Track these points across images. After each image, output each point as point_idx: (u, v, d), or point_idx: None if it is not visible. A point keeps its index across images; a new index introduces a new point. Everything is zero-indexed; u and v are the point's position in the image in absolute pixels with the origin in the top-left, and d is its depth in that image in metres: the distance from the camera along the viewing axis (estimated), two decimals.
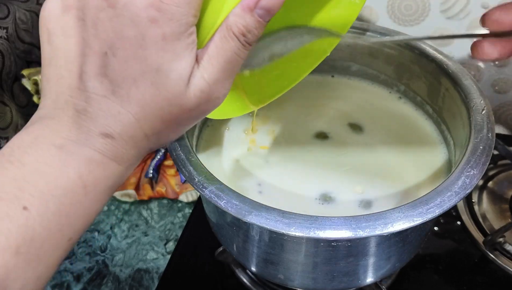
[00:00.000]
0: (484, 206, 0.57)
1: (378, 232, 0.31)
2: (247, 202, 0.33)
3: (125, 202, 0.69)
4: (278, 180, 0.45)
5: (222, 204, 0.33)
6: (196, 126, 0.46)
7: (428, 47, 0.47)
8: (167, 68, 0.25)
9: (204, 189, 0.34)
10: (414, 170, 0.45)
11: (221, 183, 0.35)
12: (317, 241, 0.36)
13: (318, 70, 0.54)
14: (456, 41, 0.62)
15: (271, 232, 0.36)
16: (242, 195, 0.33)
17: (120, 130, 0.26)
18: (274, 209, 0.32)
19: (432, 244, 0.57)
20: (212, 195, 0.34)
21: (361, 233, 0.31)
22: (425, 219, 0.32)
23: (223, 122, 0.51)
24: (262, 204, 0.33)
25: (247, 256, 0.42)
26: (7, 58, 0.58)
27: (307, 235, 0.31)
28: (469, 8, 0.58)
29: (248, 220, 0.32)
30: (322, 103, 0.54)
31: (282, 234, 0.32)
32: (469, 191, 0.34)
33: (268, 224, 0.32)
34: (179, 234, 0.63)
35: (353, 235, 0.31)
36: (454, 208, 0.57)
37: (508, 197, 0.57)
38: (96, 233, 0.65)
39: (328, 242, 0.35)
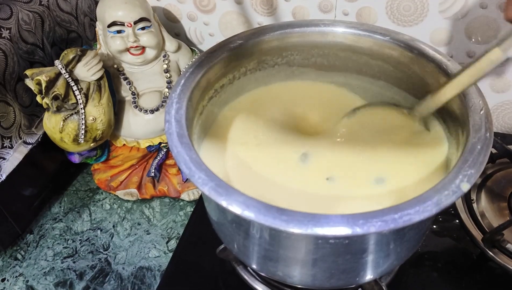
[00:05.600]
0: (483, 204, 0.57)
1: (375, 229, 0.31)
2: (246, 199, 0.33)
3: (128, 201, 0.70)
4: (280, 179, 0.46)
5: (221, 201, 0.33)
6: (198, 124, 0.47)
7: (427, 47, 0.47)
8: None
9: (204, 186, 0.35)
10: (412, 168, 0.45)
11: (221, 180, 0.35)
12: (315, 238, 0.36)
13: (318, 68, 0.55)
14: (455, 41, 0.62)
15: (271, 229, 0.37)
16: (242, 192, 0.34)
17: None
18: (273, 206, 0.33)
19: (431, 242, 0.58)
20: (212, 191, 0.34)
21: (359, 231, 0.31)
22: (422, 217, 0.32)
23: (228, 122, 0.52)
24: (262, 202, 0.33)
25: (247, 253, 0.43)
26: (10, 58, 0.59)
27: (305, 232, 0.31)
28: (468, 8, 0.58)
29: (247, 217, 0.32)
30: (320, 102, 0.54)
31: (281, 231, 0.32)
32: (466, 190, 0.34)
33: (266, 221, 0.32)
34: (181, 232, 0.64)
35: (350, 232, 0.31)
36: (453, 206, 0.57)
37: (506, 195, 0.58)
38: (98, 232, 0.66)
39: (326, 239, 0.35)
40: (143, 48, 0.64)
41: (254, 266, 0.44)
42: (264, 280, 0.53)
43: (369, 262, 0.40)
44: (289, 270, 0.41)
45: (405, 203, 0.33)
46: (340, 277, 0.41)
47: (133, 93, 0.67)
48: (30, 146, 0.63)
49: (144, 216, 0.68)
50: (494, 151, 0.59)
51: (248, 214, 0.33)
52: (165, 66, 0.67)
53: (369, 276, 0.42)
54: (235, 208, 0.33)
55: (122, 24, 0.61)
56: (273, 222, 0.32)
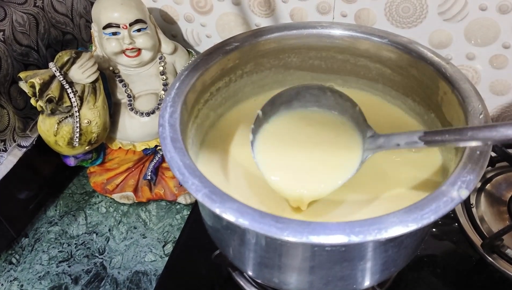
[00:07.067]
0: (482, 208, 0.57)
1: (371, 237, 0.31)
2: (240, 207, 0.33)
3: (124, 204, 0.69)
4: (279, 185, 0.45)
5: (215, 208, 0.33)
6: (193, 128, 0.46)
7: (426, 50, 0.47)
8: None
9: (197, 193, 0.34)
10: (409, 174, 0.45)
11: (215, 187, 0.34)
12: (311, 246, 0.35)
13: (315, 70, 0.55)
14: (454, 44, 0.61)
15: (266, 237, 0.36)
16: (236, 199, 0.33)
17: None
18: (267, 214, 0.32)
19: (430, 245, 0.57)
20: (205, 198, 0.34)
21: (355, 239, 0.31)
22: (420, 225, 0.32)
23: (228, 128, 0.51)
24: (256, 209, 0.32)
25: (242, 259, 0.42)
26: (4, 60, 0.58)
27: (300, 240, 0.31)
28: (467, 10, 0.58)
29: (241, 224, 0.32)
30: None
31: (276, 239, 0.32)
32: (465, 197, 0.34)
33: (261, 228, 0.31)
34: (178, 236, 0.63)
35: (346, 241, 0.31)
36: (452, 210, 0.57)
37: (506, 199, 0.57)
38: (94, 235, 0.65)
39: (322, 247, 0.35)
40: (139, 50, 0.64)
41: (249, 273, 0.44)
42: (261, 287, 0.52)
43: (366, 269, 0.39)
44: (285, 277, 0.41)
45: (402, 210, 0.32)
46: (337, 284, 0.40)
47: (129, 96, 0.66)
48: (24, 149, 0.63)
49: (140, 220, 0.67)
50: (493, 154, 0.58)
51: (242, 221, 0.32)
52: (161, 68, 0.66)
53: (366, 283, 0.42)
54: (229, 216, 0.32)
55: (118, 26, 0.60)
56: (268, 230, 0.31)
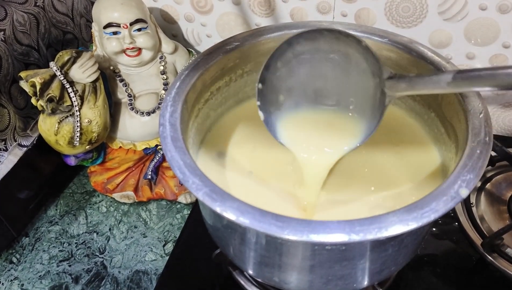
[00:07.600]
0: (482, 207, 0.57)
1: (372, 236, 0.31)
2: (241, 205, 0.33)
3: (124, 204, 0.69)
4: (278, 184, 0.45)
5: (216, 207, 0.33)
6: (193, 127, 0.46)
7: (426, 50, 0.47)
8: None
9: (198, 191, 0.34)
10: (409, 174, 0.45)
11: (216, 186, 0.34)
12: (311, 245, 0.35)
13: None
14: (454, 43, 0.62)
15: (266, 235, 0.36)
16: (236, 198, 0.33)
17: None
18: (268, 212, 0.32)
19: (430, 244, 0.57)
20: (206, 197, 0.34)
21: (355, 237, 0.31)
22: (420, 224, 0.32)
23: (227, 128, 0.51)
24: (256, 207, 0.32)
25: (243, 258, 0.42)
26: (5, 60, 0.58)
27: (300, 239, 0.31)
28: (467, 10, 0.58)
29: (242, 223, 0.32)
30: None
31: (276, 237, 0.32)
32: (465, 196, 0.34)
33: (261, 227, 0.31)
34: (178, 235, 0.63)
35: (347, 239, 0.31)
36: (452, 209, 0.57)
37: (506, 198, 0.57)
38: (94, 235, 0.65)
39: (322, 245, 0.35)
40: (140, 49, 0.64)
41: (250, 272, 0.44)
42: (261, 285, 0.52)
43: (366, 268, 0.39)
44: (285, 276, 0.41)
45: (402, 209, 0.32)
46: (337, 283, 0.40)
47: (129, 95, 0.66)
48: (25, 149, 0.63)
49: (141, 219, 0.67)
50: (493, 154, 0.58)
51: (243, 220, 0.32)
52: (161, 67, 0.66)
53: (366, 282, 0.42)
54: (230, 215, 0.32)
55: (118, 25, 0.60)
56: (268, 229, 0.31)
